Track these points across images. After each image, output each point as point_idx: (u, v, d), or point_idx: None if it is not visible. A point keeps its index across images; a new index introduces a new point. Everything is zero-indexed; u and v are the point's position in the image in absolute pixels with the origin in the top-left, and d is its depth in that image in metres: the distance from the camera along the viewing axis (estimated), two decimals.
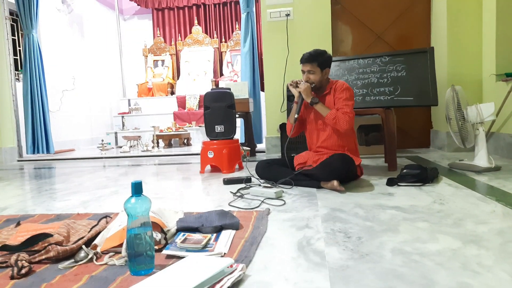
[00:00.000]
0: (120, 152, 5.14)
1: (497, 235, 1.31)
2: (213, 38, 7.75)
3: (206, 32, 7.91)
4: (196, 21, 7.84)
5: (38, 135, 4.97)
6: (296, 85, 2.41)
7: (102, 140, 5.55)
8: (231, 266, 1.05)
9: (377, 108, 2.89)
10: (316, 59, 2.33)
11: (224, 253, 1.23)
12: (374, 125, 3.71)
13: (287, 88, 3.78)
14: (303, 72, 2.38)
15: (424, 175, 2.22)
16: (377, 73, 2.96)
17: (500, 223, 1.45)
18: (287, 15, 3.94)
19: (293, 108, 2.44)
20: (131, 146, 5.53)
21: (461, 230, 1.38)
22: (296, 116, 2.38)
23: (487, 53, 3.45)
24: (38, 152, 4.98)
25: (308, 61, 2.34)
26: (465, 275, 1.01)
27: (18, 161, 4.88)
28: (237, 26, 7.58)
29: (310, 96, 2.34)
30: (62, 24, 6.36)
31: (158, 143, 5.56)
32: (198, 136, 6.26)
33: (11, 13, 5.15)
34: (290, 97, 3.73)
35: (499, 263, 1.08)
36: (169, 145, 5.80)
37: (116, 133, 6.61)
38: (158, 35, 7.96)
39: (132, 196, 1.13)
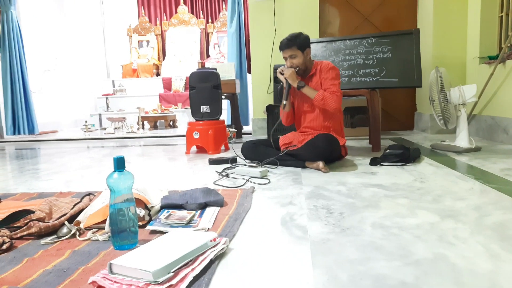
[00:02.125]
0: (105, 134, 5.07)
1: (474, 210, 1.36)
2: (199, 18, 7.60)
3: (192, 12, 7.75)
4: (182, 0, 7.66)
5: (19, 116, 4.85)
6: (281, 72, 2.40)
7: (86, 122, 5.45)
8: (215, 239, 1.06)
9: (362, 89, 2.91)
10: (294, 42, 2.31)
11: (208, 229, 1.24)
12: (359, 107, 3.74)
13: (274, 69, 3.77)
14: (285, 59, 2.37)
15: (406, 155, 2.26)
16: (363, 54, 2.96)
17: (477, 199, 1.50)
18: None
19: (283, 94, 2.43)
20: (115, 128, 5.46)
21: (440, 206, 1.41)
22: (284, 102, 2.38)
23: (472, 36, 3.48)
24: (19, 133, 4.88)
25: (287, 47, 2.32)
26: (441, 247, 1.05)
27: None
28: (224, 6, 7.44)
29: (296, 81, 2.33)
30: (42, 2, 6.13)
31: (143, 125, 5.50)
32: (184, 118, 6.20)
33: None
34: (276, 79, 3.71)
35: (474, 235, 1.12)
36: (154, 127, 5.74)
37: (100, 114, 6.50)
38: (143, 14, 7.76)
39: (114, 171, 1.12)
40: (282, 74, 2.37)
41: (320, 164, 2.12)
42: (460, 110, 2.63)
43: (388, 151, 2.32)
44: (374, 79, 2.88)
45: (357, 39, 3.02)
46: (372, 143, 2.87)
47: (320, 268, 0.94)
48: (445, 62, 3.55)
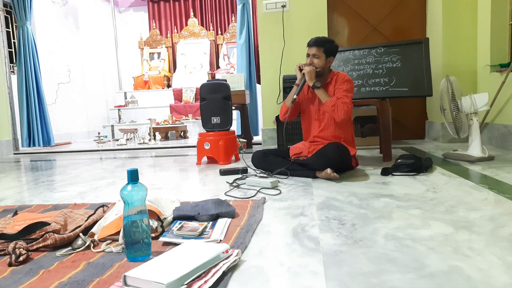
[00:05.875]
0: (117, 145, 5.14)
1: (489, 221, 1.34)
2: (209, 30, 7.71)
3: (202, 24, 7.86)
4: (192, 13, 7.79)
5: (34, 128, 4.95)
6: (301, 68, 2.39)
7: (99, 133, 5.54)
8: (227, 251, 1.07)
9: (372, 99, 2.91)
10: (324, 45, 2.33)
11: (220, 240, 1.25)
12: (369, 116, 3.73)
13: (284, 80, 3.80)
14: (308, 55, 2.37)
15: (418, 164, 2.24)
16: (373, 64, 2.96)
17: (491, 209, 1.48)
18: (283, 6, 3.93)
19: (293, 90, 2.41)
20: (127, 139, 5.53)
21: (454, 217, 1.40)
22: (294, 97, 2.35)
23: (482, 44, 3.46)
24: (34, 145, 4.97)
25: (316, 45, 2.33)
26: (456, 259, 1.03)
27: (15, 154, 4.87)
28: (233, 18, 7.54)
29: (313, 80, 2.31)
30: (57, 16, 6.30)
31: (154, 135, 5.55)
32: (194, 128, 6.26)
33: (4, 5, 5.10)
34: (286, 89, 3.74)
35: (489, 247, 1.11)
36: (165, 137, 5.80)
37: (112, 126, 6.59)
38: (154, 27, 7.90)
39: (128, 184, 1.14)
40: (301, 70, 2.37)
41: (329, 170, 2.11)
42: (472, 119, 2.60)
43: (399, 160, 2.31)
44: (384, 88, 2.88)
45: (366, 49, 3.03)
46: (383, 153, 2.85)
47: (333, 281, 0.94)
48: (455, 70, 3.53)
